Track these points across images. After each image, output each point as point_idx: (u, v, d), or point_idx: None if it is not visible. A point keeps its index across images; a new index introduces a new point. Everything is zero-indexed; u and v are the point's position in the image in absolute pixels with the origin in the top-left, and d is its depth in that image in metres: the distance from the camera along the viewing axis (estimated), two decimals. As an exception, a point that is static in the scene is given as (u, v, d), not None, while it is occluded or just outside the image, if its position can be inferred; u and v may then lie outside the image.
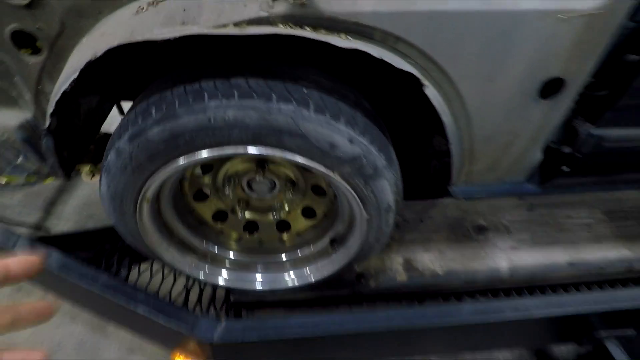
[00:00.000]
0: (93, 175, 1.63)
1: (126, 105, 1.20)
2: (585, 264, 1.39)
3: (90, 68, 0.76)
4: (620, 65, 0.87)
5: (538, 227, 1.52)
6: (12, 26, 0.78)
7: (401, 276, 1.36)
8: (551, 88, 0.86)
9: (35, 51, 0.84)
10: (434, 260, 1.40)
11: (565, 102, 0.90)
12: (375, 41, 0.74)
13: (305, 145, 0.79)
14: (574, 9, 0.73)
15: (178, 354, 1.36)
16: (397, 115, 1.14)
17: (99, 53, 0.71)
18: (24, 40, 0.81)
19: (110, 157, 0.84)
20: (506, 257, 1.41)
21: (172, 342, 1.36)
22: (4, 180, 1.26)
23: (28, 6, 0.74)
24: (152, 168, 0.83)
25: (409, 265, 1.39)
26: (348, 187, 0.88)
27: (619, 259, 1.41)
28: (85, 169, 1.65)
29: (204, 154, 0.80)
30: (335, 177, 0.85)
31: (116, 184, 0.87)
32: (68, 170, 1.08)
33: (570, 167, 1.06)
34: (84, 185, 2.38)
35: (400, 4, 0.70)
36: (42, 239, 1.54)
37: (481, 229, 1.51)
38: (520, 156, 1.05)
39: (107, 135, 1.30)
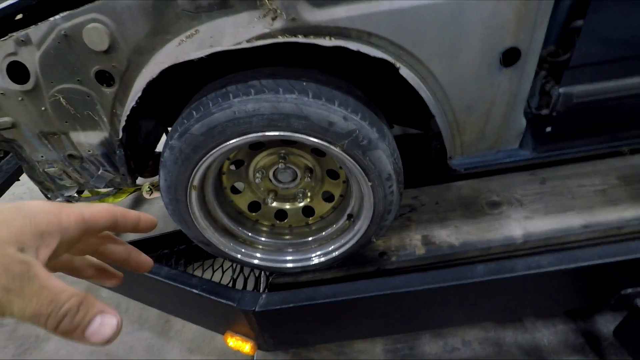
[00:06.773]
0: (151, 192, 1.94)
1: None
2: (601, 225, 1.44)
3: (149, 90, 1.05)
4: (570, 31, 1.02)
5: (551, 197, 1.59)
6: (96, 68, 1.10)
7: (420, 250, 1.49)
8: (510, 57, 1.02)
9: (109, 84, 1.15)
10: (450, 234, 1.52)
11: (527, 68, 1.06)
12: (353, 39, 0.96)
13: (309, 125, 1.01)
14: (508, -11, 0.91)
15: (230, 335, 1.57)
16: (392, 101, 1.34)
17: (155, 74, 1.00)
18: (102, 77, 1.13)
19: (166, 154, 1.11)
20: (520, 226, 1.50)
21: (224, 325, 1.57)
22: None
23: (106, 51, 1.05)
24: (196, 158, 1.08)
25: (426, 240, 1.52)
26: (349, 158, 1.07)
27: (636, 217, 1.44)
28: (145, 187, 1.97)
29: (233, 142, 1.04)
30: (338, 150, 1.06)
31: (170, 175, 1.14)
32: (134, 179, 1.38)
33: (552, 127, 1.19)
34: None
35: (367, 6, 0.92)
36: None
37: (495, 204, 1.62)
38: (504, 123, 1.19)
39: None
